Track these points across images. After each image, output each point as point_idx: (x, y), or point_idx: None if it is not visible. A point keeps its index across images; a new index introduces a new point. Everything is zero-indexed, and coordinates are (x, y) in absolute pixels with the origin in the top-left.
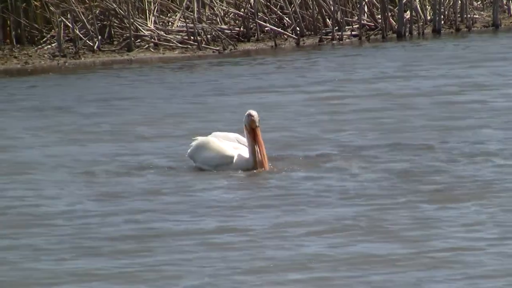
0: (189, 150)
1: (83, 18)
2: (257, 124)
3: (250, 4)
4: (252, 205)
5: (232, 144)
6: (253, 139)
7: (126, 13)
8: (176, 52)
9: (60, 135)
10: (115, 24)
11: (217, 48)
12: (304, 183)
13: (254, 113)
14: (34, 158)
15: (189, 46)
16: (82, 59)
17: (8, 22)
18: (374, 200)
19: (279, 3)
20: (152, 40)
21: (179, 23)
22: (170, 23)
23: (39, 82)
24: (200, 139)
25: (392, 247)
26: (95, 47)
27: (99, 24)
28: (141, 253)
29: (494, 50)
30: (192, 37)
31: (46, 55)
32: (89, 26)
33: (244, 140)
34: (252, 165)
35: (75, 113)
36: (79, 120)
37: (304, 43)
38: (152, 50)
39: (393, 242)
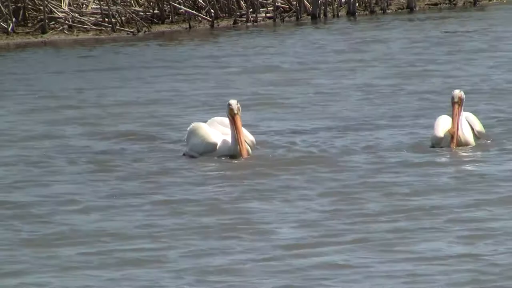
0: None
1: None
2: (235, 112)
3: None
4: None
5: (224, 130)
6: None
7: None
8: (90, 34)
9: None
10: (29, 6)
11: (131, 30)
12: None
13: (232, 101)
14: None
15: (103, 28)
16: None
17: None
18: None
19: None
20: (66, 22)
21: (93, 5)
22: (84, 5)
23: None
24: (192, 124)
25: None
26: (9, 29)
27: (13, 6)
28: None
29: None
30: (106, 19)
31: None
32: (3, 8)
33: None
34: (236, 152)
35: None
36: None
37: (218, 25)
38: (66, 32)
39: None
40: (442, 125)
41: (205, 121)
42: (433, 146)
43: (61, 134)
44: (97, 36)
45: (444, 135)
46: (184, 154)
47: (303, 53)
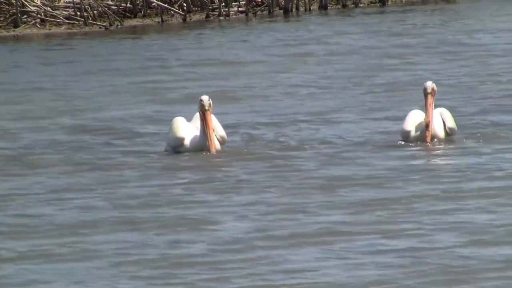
0: None
1: None
2: (206, 107)
3: None
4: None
5: (198, 124)
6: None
7: None
8: (63, 28)
9: None
10: (1, 0)
11: (104, 24)
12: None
13: (204, 97)
14: None
15: (76, 22)
16: None
17: None
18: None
19: None
20: (39, 16)
21: None
22: None
23: None
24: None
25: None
26: None
27: None
28: None
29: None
30: (78, 13)
31: None
32: None
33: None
34: (205, 147)
35: None
36: None
37: (191, 19)
38: (39, 26)
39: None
40: (412, 118)
41: (183, 115)
42: (403, 140)
43: (12, 127)
44: (69, 30)
45: (413, 128)
46: (165, 150)
47: (270, 46)
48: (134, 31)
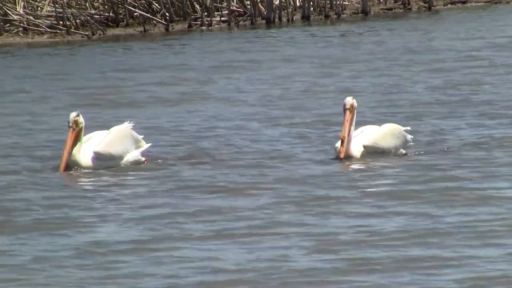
0: None
1: None
2: (70, 124)
3: None
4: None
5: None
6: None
7: None
8: (45, 37)
9: None
10: None
11: (86, 33)
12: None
13: (71, 114)
14: None
15: (58, 31)
16: None
17: None
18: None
19: None
20: (21, 24)
21: (48, 8)
22: (39, 8)
23: None
24: None
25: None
26: None
27: None
28: None
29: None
30: (61, 22)
31: None
32: None
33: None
34: (71, 163)
35: None
36: None
37: (173, 29)
38: (21, 34)
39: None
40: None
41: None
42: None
43: None
44: (51, 39)
45: (339, 144)
46: None
47: (252, 51)
48: (117, 41)
